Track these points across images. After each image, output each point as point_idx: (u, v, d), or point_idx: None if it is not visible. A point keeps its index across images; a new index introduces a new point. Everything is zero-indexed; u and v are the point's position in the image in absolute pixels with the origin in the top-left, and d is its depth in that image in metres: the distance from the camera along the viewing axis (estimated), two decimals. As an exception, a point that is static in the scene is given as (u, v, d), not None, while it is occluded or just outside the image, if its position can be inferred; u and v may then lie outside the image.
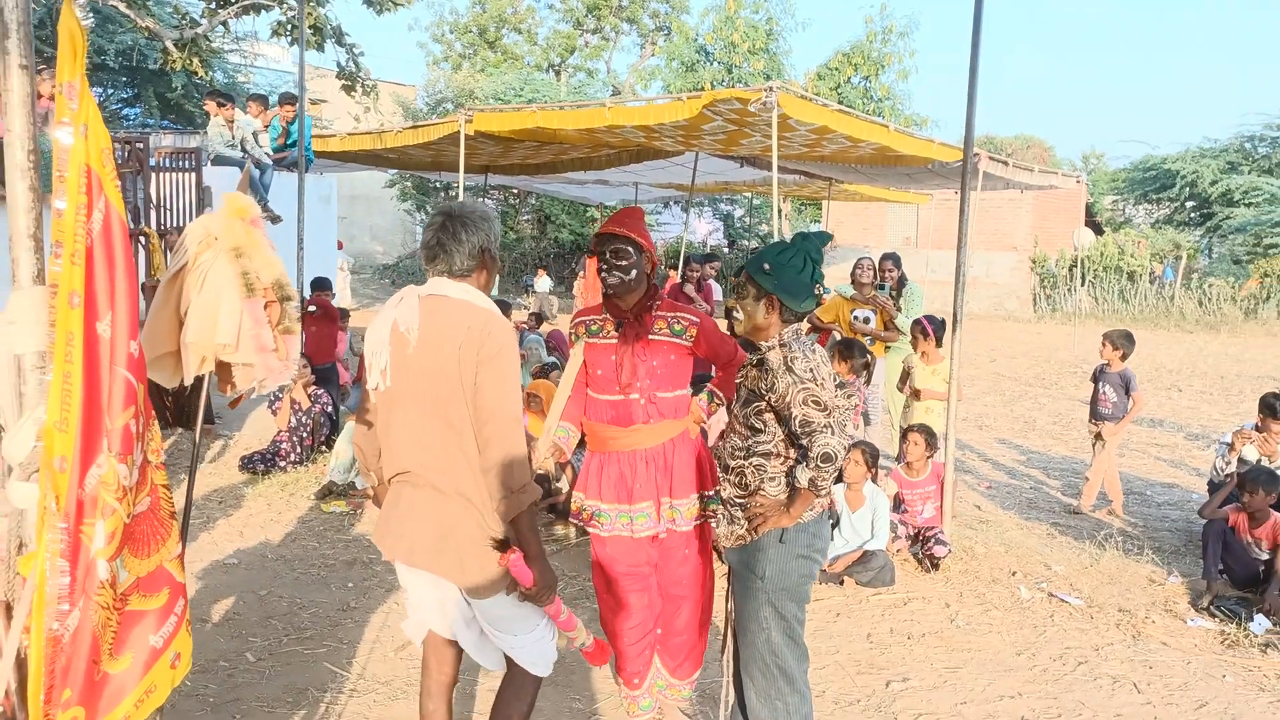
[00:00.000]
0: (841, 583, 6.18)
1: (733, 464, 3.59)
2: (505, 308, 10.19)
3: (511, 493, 2.93)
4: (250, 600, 5.74)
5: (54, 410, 2.09)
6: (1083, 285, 28.01)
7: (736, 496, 3.58)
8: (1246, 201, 30.57)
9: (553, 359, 10.67)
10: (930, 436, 6.95)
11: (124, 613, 2.33)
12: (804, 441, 3.39)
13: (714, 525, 3.82)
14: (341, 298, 22.97)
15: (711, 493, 4.04)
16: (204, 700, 4.47)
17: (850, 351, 7.87)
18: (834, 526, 6.44)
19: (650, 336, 4.01)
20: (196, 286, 2.54)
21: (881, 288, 8.58)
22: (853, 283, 8.60)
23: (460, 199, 13.83)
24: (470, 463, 2.97)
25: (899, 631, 5.59)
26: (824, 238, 3.62)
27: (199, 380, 2.92)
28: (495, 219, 3.18)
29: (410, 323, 2.97)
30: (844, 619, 5.75)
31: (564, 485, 7.11)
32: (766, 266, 3.46)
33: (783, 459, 3.53)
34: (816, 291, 3.52)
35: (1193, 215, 35.71)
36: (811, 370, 3.38)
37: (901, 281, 8.59)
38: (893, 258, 8.70)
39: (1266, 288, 27.27)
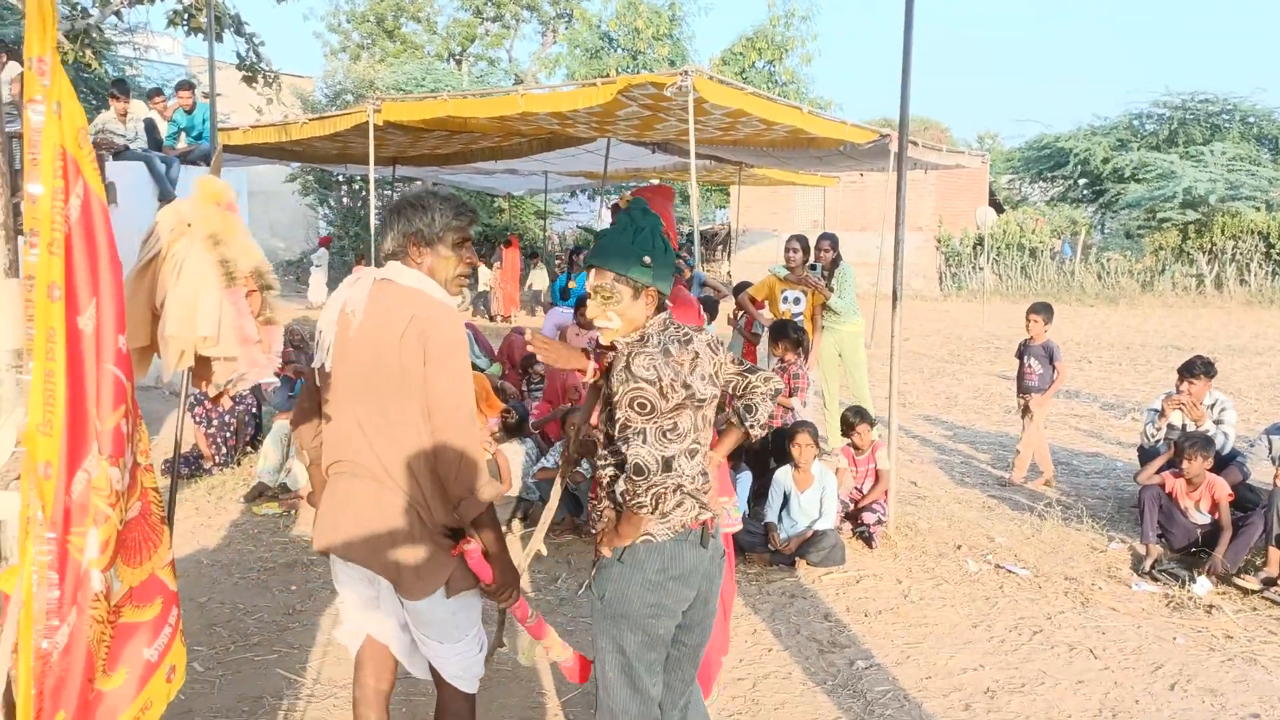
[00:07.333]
0: (793, 564, 6.17)
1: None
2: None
3: (470, 493, 2.79)
4: (190, 608, 5.50)
5: (36, 412, 1.91)
6: (987, 263, 28.59)
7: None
8: (1137, 177, 31.49)
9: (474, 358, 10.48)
10: (864, 415, 7.06)
11: (117, 626, 2.17)
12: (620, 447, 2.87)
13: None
14: (317, 294, 22.28)
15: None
16: (155, 714, 4.28)
17: (784, 332, 7.89)
18: (782, 507, 6.44)
19: None
20: (173, 277, 2.37)
21: (814, 268, 8.60)
22: (786, 264, 8.59)
23: (374, 192, 13.56)
24: (411, 455, 2.83)
25: (855, 610, 5.60)
26: (638, 203, 3.09)
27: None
28: (434, 206, 2.97)
29: (357, 305, 2.84)
30: (799, 600, 5.74)
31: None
32: (647, 260, 2.94)
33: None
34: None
35: (1085, 192, 36.72)
36: (655, 368, 2.83)
37: (835, 262, 8.59)
38: (830, 238, 8.68)
39: (1161, 260, 28.13)
